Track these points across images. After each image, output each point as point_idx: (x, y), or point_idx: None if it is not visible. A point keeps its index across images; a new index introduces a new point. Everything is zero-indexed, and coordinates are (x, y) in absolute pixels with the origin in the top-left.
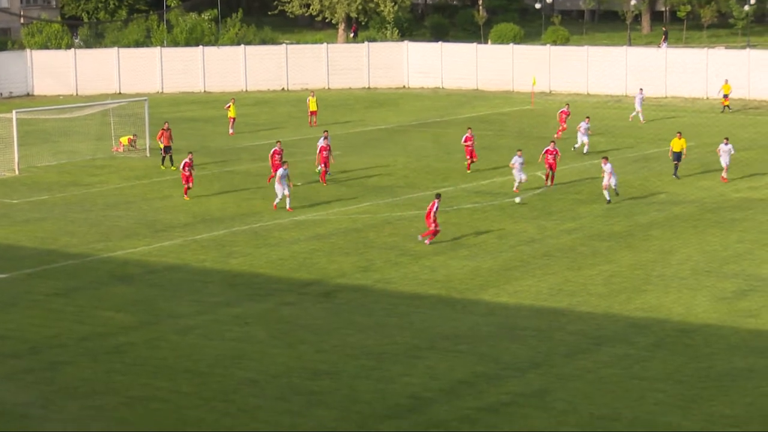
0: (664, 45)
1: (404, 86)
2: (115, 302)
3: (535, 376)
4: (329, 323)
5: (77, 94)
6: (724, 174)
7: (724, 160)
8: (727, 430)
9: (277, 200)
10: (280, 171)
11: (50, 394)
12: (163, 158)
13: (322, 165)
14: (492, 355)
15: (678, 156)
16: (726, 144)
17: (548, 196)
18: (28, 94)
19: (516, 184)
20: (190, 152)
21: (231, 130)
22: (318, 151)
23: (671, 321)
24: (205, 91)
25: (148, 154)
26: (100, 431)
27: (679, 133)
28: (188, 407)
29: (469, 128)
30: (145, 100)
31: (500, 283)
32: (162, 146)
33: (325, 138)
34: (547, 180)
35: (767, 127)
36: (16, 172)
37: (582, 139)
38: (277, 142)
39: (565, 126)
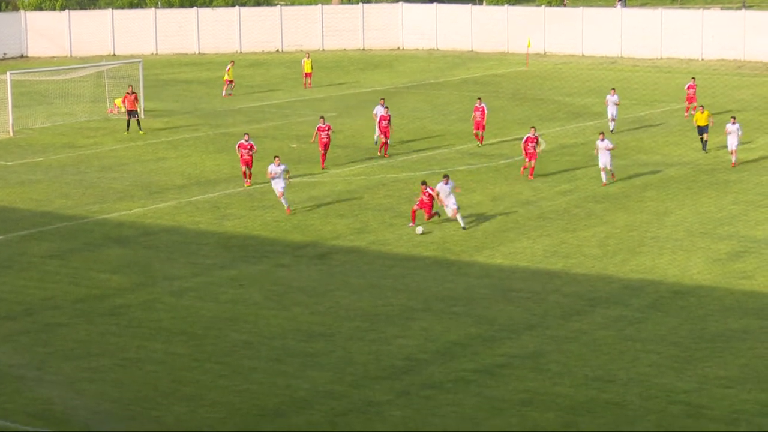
0: (619, 5)
1: (399, 48)
2: (110, 264)
3: (529, 338)
4: (324, 285)
5: (71, 56)
6: (732, 158)
7: (732, 142)
8: (721, 390)
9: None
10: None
11: (45, 355)
12: (128, 122)
13: (382, 135)
14: (487, 316)
15: (703, 129)
16: (733, 123)
17: (543, 158)
18: (22, 56)
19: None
20: (246, 133)
21: (224, 93)
22: (377, 121)
23: (666, 282)
24: (199, 53)
25: (143, 116)
26: (96, 393)
27: (702, 106)
28: (183, 369)
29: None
30: (140, 61)
31: (495, 245)
32: (125, 110)
33: (384, 106)
34: (523, 170)
35: (762, 89)
36: (11, 133)
37: (611, 112)
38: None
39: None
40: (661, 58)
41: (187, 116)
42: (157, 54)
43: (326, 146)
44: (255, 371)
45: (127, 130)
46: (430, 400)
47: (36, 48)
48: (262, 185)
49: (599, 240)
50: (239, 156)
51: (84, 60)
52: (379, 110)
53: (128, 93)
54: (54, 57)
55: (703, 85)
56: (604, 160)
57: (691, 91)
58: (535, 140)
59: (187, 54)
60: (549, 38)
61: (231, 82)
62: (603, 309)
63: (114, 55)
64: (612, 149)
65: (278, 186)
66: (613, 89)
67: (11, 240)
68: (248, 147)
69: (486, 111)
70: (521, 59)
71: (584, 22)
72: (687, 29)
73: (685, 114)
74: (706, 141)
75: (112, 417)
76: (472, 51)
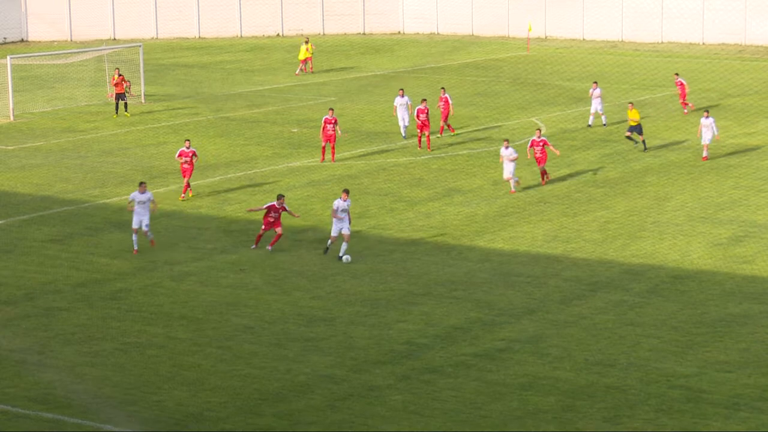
0: None
1: (400, 32)
2: (110, 249)
3: (529, 323)
4: (324, 270)
5: (72, 40)
6: (704, 152)
7: (705, 137)
8: (721, 375)
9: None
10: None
11: (46, 340)
12: (116, 105)
13: (419, 128)
14: (487, 301)
15: (634, 128)
16: (707, 117)
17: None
18: (22, 40)
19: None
20: (187, 140)
21: (297, 71)
22: (402, 113)
23: (666, 267)
24: (200, 37)
25: (143, 101)
26: (96, 377)
27: (631, 103)
28: (184, 353)
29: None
30: (140, 45)
31: (495, 230)
32: (115, 93)
33: (404, 96)
34: (543, 178)
35: (763, 73)
36: (11, 118)
37: (596, 107)
38: (330, 109)
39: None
40: (662, 42)
41: (188, 100)
42: (157, 38)
43: (330, 139)
44: (256, 356)
45: (116, 112)
46: (431, 384)
47: (36, 32)
48: (262, 170)
49: (599, 225)
50: (179, 165)
51: (84, 44)
52: (398, 101)
53: (114, 76)
54: (54, 41)
55: (705, 70)
56: (508, 170)
57: (680, 87)
58: (543, 143)
59: (187, 38)
60: (550, 22)
61: (306, 60)
62: (603, 294)
63: (114, 39)
64: (515, 159)
65: (142, 218)
66: (595, 82)
67: (12, 224)
68: (190, 155)
69: (450, 101)
70: (522, 43)
71: (585, 6)
72: (688, 13)
73: (684, 111)
74: (643, 141)
75: (112, 401)
76: (472, 35)
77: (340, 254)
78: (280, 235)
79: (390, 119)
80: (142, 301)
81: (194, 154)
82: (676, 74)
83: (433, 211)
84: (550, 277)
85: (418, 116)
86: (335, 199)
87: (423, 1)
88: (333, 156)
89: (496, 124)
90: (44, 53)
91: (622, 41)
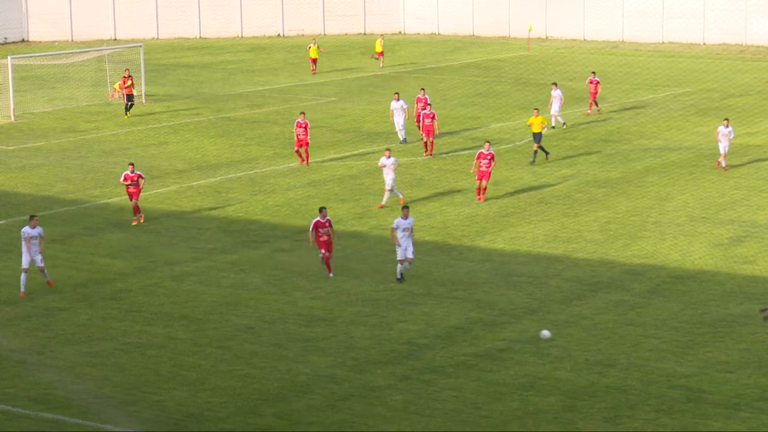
0: None
1: (400, 32)
2: (111, 249)
3: (530, 323)
4: (325, 270)
5: (72, 40)
6: (722, 160)
7: (723, 145)
8: (722, 375)
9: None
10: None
11: (46, 340)
12: (126, 106)
13: (424, 133)
14: (488, 301)
15: (538, 137)
16: (726, 126)
17: (544, 143)
18: (23, 40)
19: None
20: (131, 163)
21: (314, 69)
22: (399, 116)
23: (667, 267)
24: (200, 37)
25: (144, 101)
26: (97, 377)
27: (536, 110)
28: (184, 353)
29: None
30: (141, 46)
31: (496, 230)
32: (125, 94)
33: (399, 100)
34: (481, 194)
35: (765, 74)
36: (12, 118)
37: (554, 109)
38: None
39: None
40: (663, 43)
41: (189, 101)
42: (158, 38)
43: (302, 143)
44: (256, 356)
45: (126, 113)
46: (431, 384)
47: (37, 32)
48: (263, 170)
49: (600, 225)
50: (125, 189)
51: (85, 44)
52: (394, 104)
53: (125, 77)
54: (55, 41)
55: (706, 70)
56: (389, 178)
57: (592, 86)
58: (490, 156)
59: (188, 38)
60: (551, 22)
61: (315, 60)
62: (604, 294)
63: (115, 39)
64: (396, 167)
65: (35, 257)
66: (555, 84)
67: (12, 224)
68: (135, 178)
69: (429, 101)
70: (523, 44)
71: (586, 6)
72: (689, 13)
73: (588, 111)
74: (536, 151)
75: (113, 401)
76: (473, 35)
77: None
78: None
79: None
80: (143, 301)
81: (140, 176)
82: (593, 72)
83: (433, 212)
84: (550, 278)
85: (423, 120)
86: (395, 218)
87: (424, 2)
88: (307, 160)
89: (497, 125)
90: (45, 53)
91: (623, 41)
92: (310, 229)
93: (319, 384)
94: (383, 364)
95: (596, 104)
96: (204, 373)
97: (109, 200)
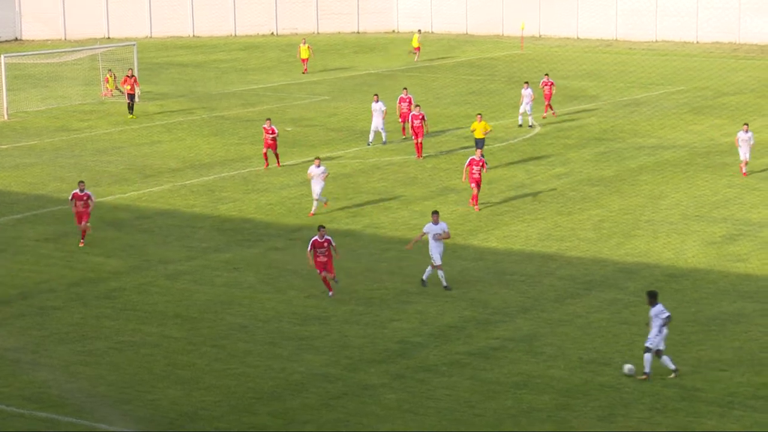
0: None
1: (394, 30)
2: (105, 247)
3: (524, 321)
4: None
5: (66, 39)
6: (743, 166)
7: (743, 151)
8: (715, 373)
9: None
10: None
11: (40, 339)
12: (129, 105)
13: (414, 134)
14: (481, 299)
15: (480, 143)
16: (746, 132)
17: (537, 141)
18: (16, 39)
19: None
20: (81, 181)
21: (305, 69)
22: (410, 120)
23: (660, 266)
24: (194, 36)
25: (137, 100)
26: (91, 376)
27: (480, 115)
28: (178, 352)
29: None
30: (134, 44)
31: (489, 228)
32: (126, 93)
33: (379, 101)
34: (473, 202)
35: (758, 72)
36: (5, 117)
37: (525, 107)
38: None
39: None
40: (657, 41)
41: (182, 99)
42: (151, 37)
43: (271, 146)
44: (250, 354)
45: (130, 112)
46: (425, 383)
47: (30, 31)
48: (256, 169)
49: (594, 223)
50: (73, 210)
51: (78, 43)
52: (374, 106)
53: (128, 76)
54: (48, 40)
55: (699, 68)
56: (316, 188)
57: (546, 88)
58: (481, 163)
59: (181, 37)
60: (544, 21)
61: (305, 60)
62: (598, 292)
63: (108, 38)
64: (326, 176)
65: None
66: (527, 83)
67: (6, 223)
68: (84, 197)
69: (413, 101)
70: (516, 42)
71: (579, 5)
72: (683, 12)
73: (544, 114)
74: (481, 155)
75: (107, 400)
76: (466, 34)
77: (444, 284)
78: (332, 275)
79: (386, 117)
80: (137, 300)
81: (89, 197)
82: (546, 74)
83: (427, 210)
84: (544, 276)
85: (412, 122)
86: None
87: (417, 1)
88: (278, 161)
89: (491, 124)
90: (38, 52)
91: (616, 40)
92: (308, 249)
93: (314, 383)
94: (377, 362)
95: (551, 107)
96: (198, 371)
97: (103, 199)
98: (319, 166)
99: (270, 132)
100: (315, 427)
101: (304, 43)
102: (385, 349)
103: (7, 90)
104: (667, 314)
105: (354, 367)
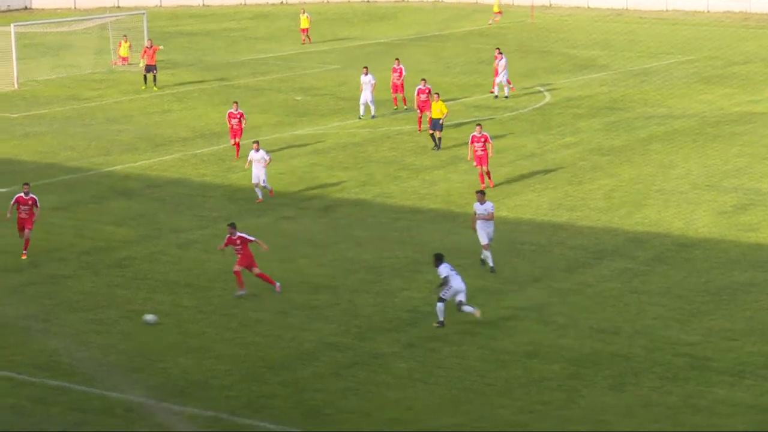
0: None
1: None
2: (116, 216)
3: (534, 291)
4: (329, 237)
5: (76, 8)
6: None
7: None
8: (726, 343)
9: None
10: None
11: (51, 307)
12: (145, 77)
13: (418, 109)
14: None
15: (436, 124)
16: None
17: (547, 111)
18: (26, 8)
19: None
20: (26, 183)
21: (304, 39)
22: (366, 90)
23: (671, 235)
24: (203, 5)
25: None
26: (102, 344)
27: (437, 94)
28: (189, 321)
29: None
30: (144, 13)
31: (500, 198)
32: (144, 64)
33: (368, 73)
34: (484, 180)
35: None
36: (15, 86)
37: (501, 77)
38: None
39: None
40: (667, 10)
41: (192, 69)
42: (161, 6)
43: (236, 134)
44: (261, 323)
45: (145, 83)
46: (435, 352)
47: (40, 0)
48: (267, 137)
49: (604, 193)
50: (17, 215)
51: (88, 12)
52: (363, 79)
53: (146, 47)
54: (58, 9)
55: (709, 37)
56: (257, 173)
57: (497, 60)
58: (484, 139)
59: (191, 6)
60: None
61: (305, 30)
62: (608, 261)
63: (118, 6)
64: (268, 162)
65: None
66: (500, 52)
67: (16, 192)
68: (29, 202)
69: (404, 72)
70: (526, 11)
71: None
72: None
73: (492, 89)
74: (440, 138)
75: (118, 368)
76: (476, 3)
77: (491, 264)
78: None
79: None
80: (148, 269)
81: (35, 203)
82: (498, 48)
83: (437, 179)
84: (554, 245)
85: (418, 95)
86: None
87: None
88: (237, 153)
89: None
90: (48, 21)
91: (626, 9)
92: (222, 245)
93: (324, 352)
94: (387, 331)
95: (509, 82)
96: (209, 340)
97: (114, 168)
98: (258, 150)
99: (235, 116)
100: (325, 396)
101: (303, 13)
102: (395, 318)
103: (18, 59)
104: (444, 275)
105: (364, 336)
